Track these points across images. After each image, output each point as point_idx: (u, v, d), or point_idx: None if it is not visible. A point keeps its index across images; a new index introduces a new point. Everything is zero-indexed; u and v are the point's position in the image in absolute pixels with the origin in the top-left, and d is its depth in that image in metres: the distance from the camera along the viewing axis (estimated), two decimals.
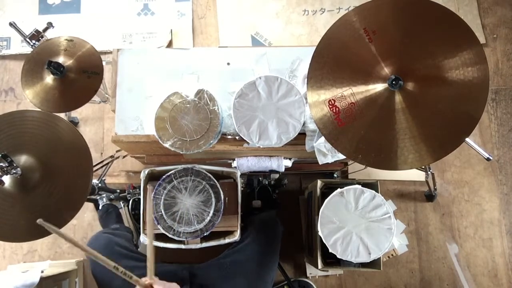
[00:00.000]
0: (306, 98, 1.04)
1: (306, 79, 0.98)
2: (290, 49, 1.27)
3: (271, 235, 1.31)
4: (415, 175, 1.75)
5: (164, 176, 1.23)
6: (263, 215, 1.42)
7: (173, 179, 1.24)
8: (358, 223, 1.24)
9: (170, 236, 1.21)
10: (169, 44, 1.94)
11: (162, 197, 1.22)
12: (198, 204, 1.23)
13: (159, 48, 1.88)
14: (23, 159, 1.05)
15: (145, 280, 0.92)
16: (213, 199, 1.23)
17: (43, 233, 1.03)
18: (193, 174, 1.24)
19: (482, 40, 1.93)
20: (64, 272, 1.47)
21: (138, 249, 1.56)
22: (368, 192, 1.25)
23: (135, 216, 1.64)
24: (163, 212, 1.22)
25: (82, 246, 0.90)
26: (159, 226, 1.22)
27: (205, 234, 1.22)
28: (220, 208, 1.23)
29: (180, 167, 1.26)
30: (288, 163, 1.39)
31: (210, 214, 1.22)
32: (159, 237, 1.26)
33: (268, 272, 1.25)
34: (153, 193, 1.22)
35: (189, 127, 1.12)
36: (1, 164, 0.96)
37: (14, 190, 1.03)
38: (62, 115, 1.27)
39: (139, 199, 1.35)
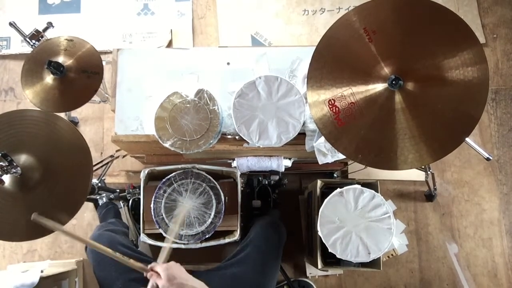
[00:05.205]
0: (306, 98, 1.04)
1: (306, 79, 0.98)
2: (290, 49, 1.27)
3: (273, 243, 1.27)
4: (415, 175, 1.75)
5: (164, 179, 1.23)
6: (265, 220, 1.37)
7: (173, 182, 1.24)
8: (358, 223, 1.24)
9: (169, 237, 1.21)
10: (169, 44, 1.94)
11: (163, 201, 1.22)
12: (199, 207, 1.23)
13: (159, 48, 1.88)
14: (23, 158, 1.05)
15: (151, 266, 0.96)
16: (214, 201, 1.23)
17: (43, 232, 1.03)
18: (193, 176, 1.24)
19: (482, 40, 1.93)
20: (64, 272, 1.47)
21: (138, 249, 1.56)
22: (368, 192, 1.25)
23: (135, 216, 1.64)
24: (164, 215, 1.22)
25: (79, 237, 0.93)
26: (160, 230, 1.22)
27: (207, 237, 1.22)
28: (221, 209, 1.23)
29: (180, 167, 1.26)
30: (288, 163, 1.39)
31: (211, 216, 1.22)
32: (160, 237, 1.26)
33: (270, 281, 1.22)
34: (153, 196, 1.22)
35: (189, 127, 1.12)
36: (1, 163, 0.96)
37: (14, 190, 1.03)
38: (62, 114, 1.27)
39: (139, 199, 1.35)
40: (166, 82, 1.25)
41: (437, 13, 0.92)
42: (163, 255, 1.02)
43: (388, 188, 1.79)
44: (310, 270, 1.69)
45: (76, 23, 1.96)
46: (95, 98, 1.50)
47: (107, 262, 1.18)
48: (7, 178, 1.03)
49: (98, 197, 1.62)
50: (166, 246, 1.04)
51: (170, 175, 1.24)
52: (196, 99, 1.14)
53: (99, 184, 1.49)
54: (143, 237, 1.26)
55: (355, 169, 1.71)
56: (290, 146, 1.20)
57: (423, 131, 0.91)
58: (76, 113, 1.85)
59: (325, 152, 1.16)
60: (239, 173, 1.32)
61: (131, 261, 0.96)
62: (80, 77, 1.26)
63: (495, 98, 1.89)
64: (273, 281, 1.24)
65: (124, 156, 1.64)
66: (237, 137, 1.19)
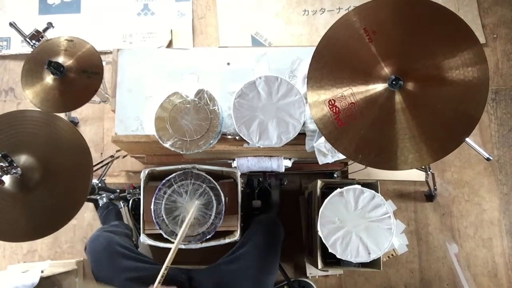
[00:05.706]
0: (306, 98, 1.04)
1: (306, 79, 0.98)
2: (290, 49, 1.27)
3: (271, 240, 1.29)
4: (415, 175, 1.75)
5: (164, 181, 1.23)
6: (263, 218, 1.40)
7: (173, 183, 1.23)
8: (358, 223, 1.24)
9: (172, 241, 1.20)
10: (169, 44, 1.94)
11: (163, 202, 1.22)
12: (199, 208, 1.22)
13: (159, 48, 1.88)
14: (23, 159, 1.05)
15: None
16: (214, 202, 1.23)
17: (43, 233, 1.04)
18: (193, 177, 1.24)
19: (482, 40, 1.93)
20: (64, 272, 1.47)
21: (138, 249, 1.56)
22: (368, 192, 1.25)
23: (135, 216, 1.64)
24: (164, 216, 1.22)
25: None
26: (161, 231, 1.22)
27: (207, 238, 1.22)
28: (221, 210, 1.22)
29: (180, 167, 1.26)
30: (288, 163, 1.39)
31: (212, 217, 1.22)
32: (160, 237, 1.26)
33: (268, 276, 1.23)
34: (154, 197, 1.22)
35: (189, 127, 1.12)
36: (1, 164, 0.96)
37: (14, 190, 1.03)
38: (62, 115, 1.27)
39: (139, 199, 1.35)
40: (166, 82, 1.25)
41: (437, 13, 0.92)
42: (168, 256, 1.01)
43: (388, 188, 1.79)
44: (310, 270, 1.69)
45: (76, 23, 1.96)
46: (95, 98, 1.50)
47: (104, 262, 1.18)
48: (7, 179, 1.03)
49: (98, 198, 1.62)
50: (172, 247, 1.03)
51: (170, 176, 1.24)
52: (196, 99, 1.14)
53: (99, 185, 1.49)
54: (143, 237, 1.26)
55: (355, 169, 1.71)
56: (290, 146, 1.20)
57: (423, 131, 0.91)
58: (76, 113, 1.85)
59: (325, 152, 1.16)
60: (239, 174, 1.32)
61: None
62: (80, 77, 1.26)
63: (495, 98, 1.89)
64: (272, 277, 1.24)
65: (124, 157, 1.64)
66: (237, 137, 1.19)
